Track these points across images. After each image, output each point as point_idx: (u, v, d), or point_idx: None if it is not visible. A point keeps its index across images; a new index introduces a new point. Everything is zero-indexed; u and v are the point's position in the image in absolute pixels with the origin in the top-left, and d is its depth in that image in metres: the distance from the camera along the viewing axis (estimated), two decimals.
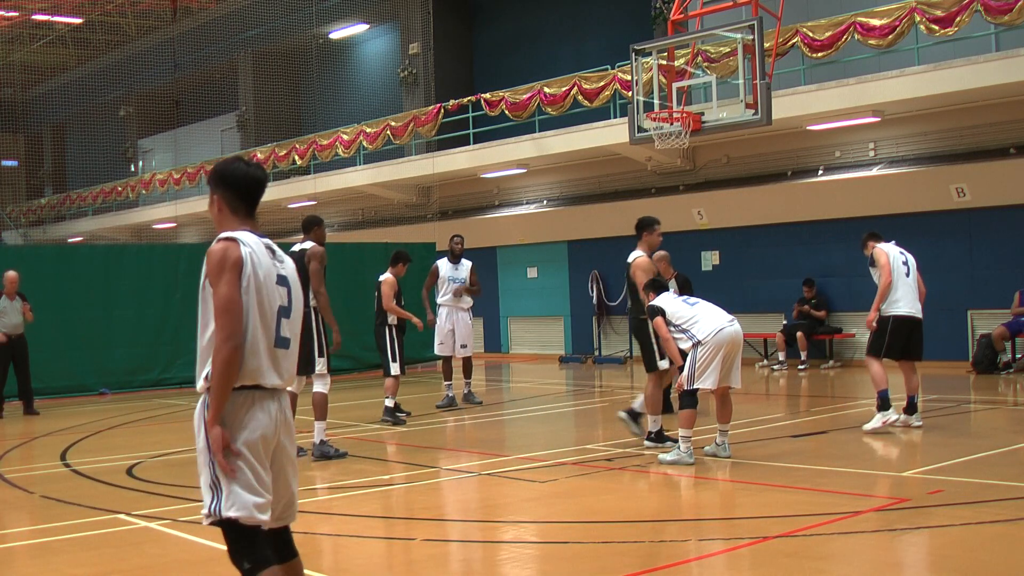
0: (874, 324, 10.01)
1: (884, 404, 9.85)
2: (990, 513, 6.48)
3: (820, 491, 7.38)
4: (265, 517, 3.83)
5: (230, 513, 3.76)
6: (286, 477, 4.00)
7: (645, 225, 9.72)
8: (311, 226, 9.70)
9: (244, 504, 3.76)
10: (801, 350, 17.20)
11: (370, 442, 10.79)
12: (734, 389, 8.82)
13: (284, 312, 3.96)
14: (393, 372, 11.76)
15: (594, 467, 8.62)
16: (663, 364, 9.21)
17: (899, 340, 10.00)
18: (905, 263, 10.07)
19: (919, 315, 10.06)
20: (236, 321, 3.76)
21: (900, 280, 9.95)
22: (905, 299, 9.96)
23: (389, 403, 11.95)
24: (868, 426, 9.91)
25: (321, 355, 9.35)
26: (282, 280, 3.99)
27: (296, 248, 9.61)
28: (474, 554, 6.30)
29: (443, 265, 13.44)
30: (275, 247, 4.04)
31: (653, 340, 9.18)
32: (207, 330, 3.84)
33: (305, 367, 9.28)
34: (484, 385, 16.62)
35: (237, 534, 3.81)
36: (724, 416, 8.80)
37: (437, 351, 13.38)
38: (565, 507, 7.28)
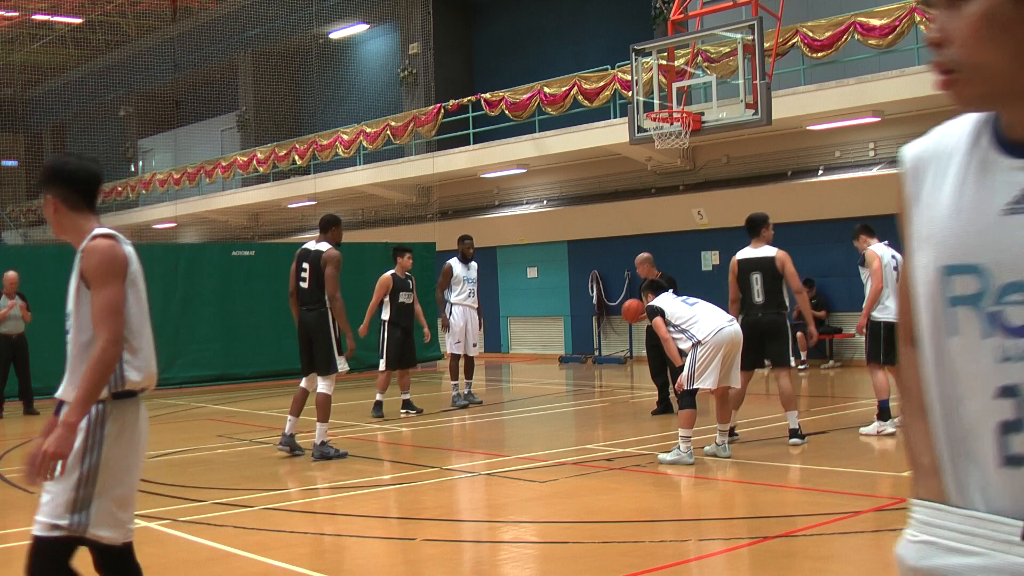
0: (864, 330, 10.05)
1: (883, 414, 9.90)
2: None
3: (820, 491, 7.38)
4: (131, 538, 3.58)
5: (99, 532, 3.45)
6: None
7: (760, 223, 9.97)
8: (328, 226, 9.59)
9: (118, 522, 3.50)
10: (801, 350, 17.19)
11: (370, 442, 10.79)
12: (734, 389, 8.84)
13: (149, 310, 3.76)
14: (380, 367, 12.36)
15: (594, 467, 8.62)
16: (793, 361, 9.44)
17: (895, 345, 10.02)
18: (896, 268, 10.07)
19: None
20: (122, 325, 3.52)
21: (891, 286, 9.96)
22: (895, 304, 9.99)
23: (379, 397, 12.53)
24: (865, 430, 9.99)
25: (341, 354, 9.35)
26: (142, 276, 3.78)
27: (311, 247, 9.50)
28: (474, 554, 6.31)
29: (456, 265, 13.48)
30: None
31: (788, 336, 9.30)
32: (86, 332, 3.55)
33: (325, 367, 9.29)
34: (484, 385, 16.61)
35: (59, 554, 3.48)
36: (724, 416, 8.82)
37: (452, 349, 13.40)
38: (565, 507, 7.28)
